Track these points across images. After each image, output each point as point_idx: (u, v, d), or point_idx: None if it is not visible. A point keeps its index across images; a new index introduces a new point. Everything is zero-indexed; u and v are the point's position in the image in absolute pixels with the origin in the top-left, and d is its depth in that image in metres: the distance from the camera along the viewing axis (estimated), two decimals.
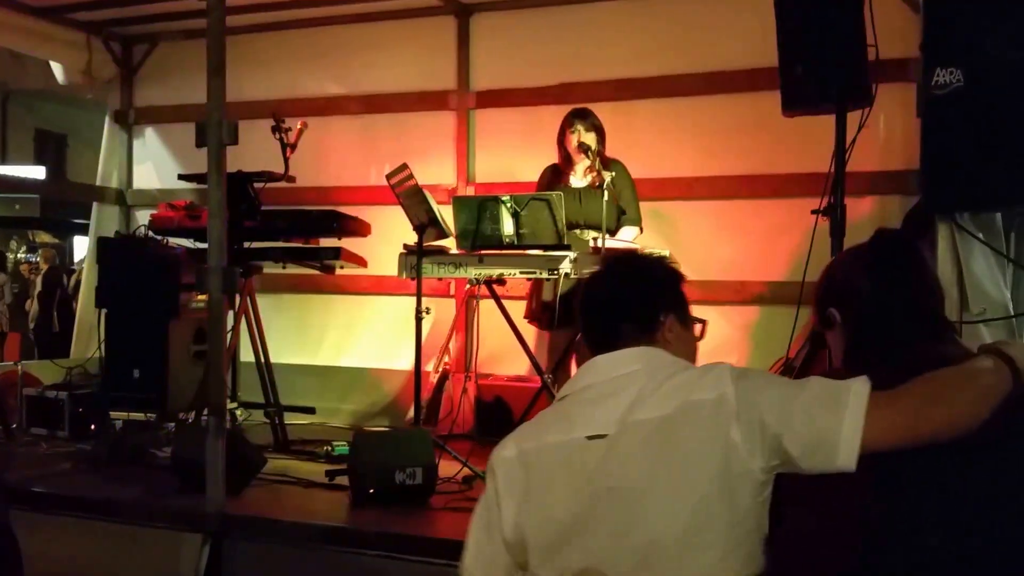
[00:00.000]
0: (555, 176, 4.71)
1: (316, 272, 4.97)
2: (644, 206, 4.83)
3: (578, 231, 4.51)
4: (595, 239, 4.34)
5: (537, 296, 4.64)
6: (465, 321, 5.48)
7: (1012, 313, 3.23)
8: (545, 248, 4.20)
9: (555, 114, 5.27)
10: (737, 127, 5.11)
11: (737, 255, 5.08)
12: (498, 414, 4.96)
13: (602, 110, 4.78)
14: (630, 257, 1.83)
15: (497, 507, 1.66)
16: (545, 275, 4.23)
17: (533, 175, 4.88)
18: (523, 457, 1.64)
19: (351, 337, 5.87)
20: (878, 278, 1.69)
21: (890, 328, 1.67)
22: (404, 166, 4.39)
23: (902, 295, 1.68)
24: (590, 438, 1.60)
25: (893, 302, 1.68)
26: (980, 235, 3.26)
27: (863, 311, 1.68)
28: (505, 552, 1.66)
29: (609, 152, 4.69)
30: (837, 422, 1.51)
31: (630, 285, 1.76)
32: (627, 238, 4.58)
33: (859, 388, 1.53)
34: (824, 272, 1.86)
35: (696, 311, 1.81)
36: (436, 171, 5.66)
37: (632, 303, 1.73)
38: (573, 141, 4.57)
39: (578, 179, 4.68)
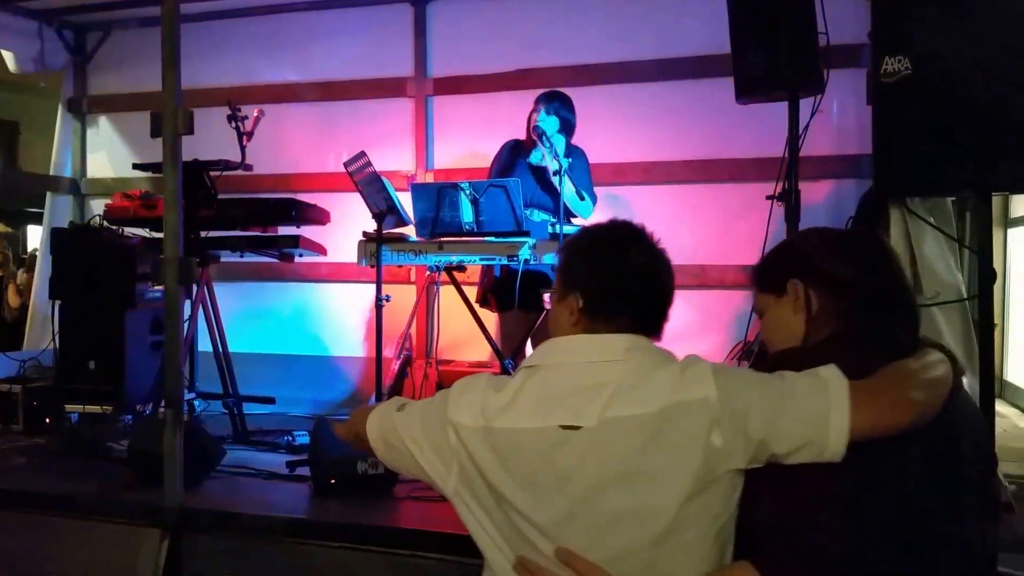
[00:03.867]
0: (514, 152, 4.69)
1: (275, 261, 4.90)
2: (602, 191, 4.84)
3: (537, 211, 4.51)
4: (552, 224, 4.32)
5: (488, 277, 4.63)
6: (426, 308, 5.47)
7: (964, 296, 3.27)
8: (504, 235, 4.21)
9: (513, 100, 5.23)
10: (692, 112, 5.13)
11: (696, 240, 5.12)
12: None
13: (573, 94, 4.75)
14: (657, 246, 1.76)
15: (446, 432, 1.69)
16: (505, 262, 4.22)
17: (491, 159, 4.86)
18: (490, 436, 1.62)
19: (311, 325, 5.84)
20: (870, 269, 1.71)
21: (881, 317, 1.68)
22: (362, 154, 4.34)
23: (894, 287, 1.71)
24: (564, 428, 1.57)
25: (886, 292, 1.70)
26: (931, 219, 3.29)
27: (856, 297, 1.69)
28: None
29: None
30: (823, 420, 1.52)
31: (671, 275, 1.74)
32: (584, 216, 4.57)
33: (838, 381, 1.55)
34: (784, 247, 1.86)
35: None
36: (394, 158, 5.62)
37: (671, 294, 1.72)
38: (533, 121, 4.55)
39: (536, 159, 4.65)
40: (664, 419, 1.54)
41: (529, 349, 4.46)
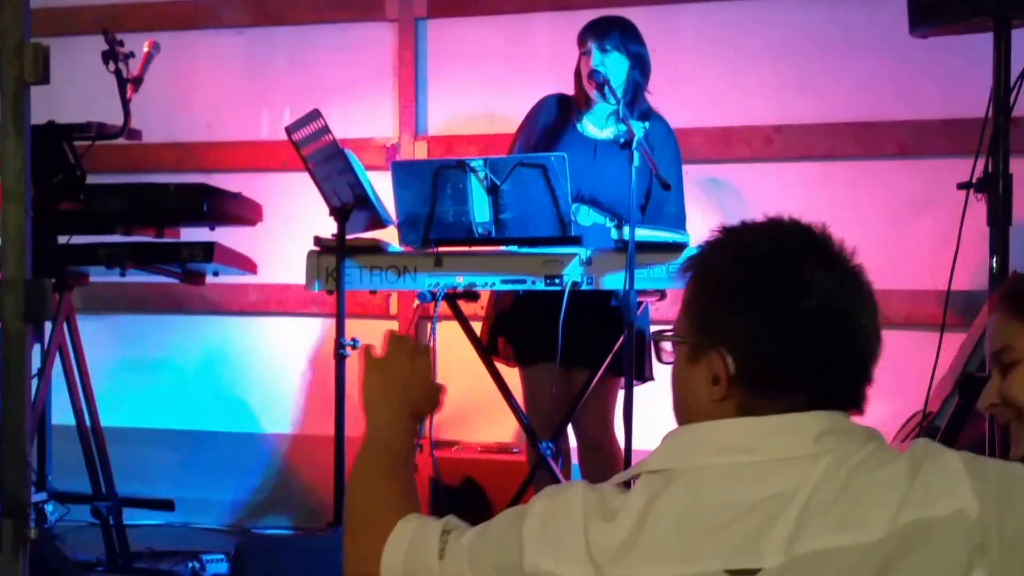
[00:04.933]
0: (560, 113, 4.67)
1: (175, 282, 4.91)
2: (696, 170, 4.79)
3: (584, 209, 4.48)
4: (618, 225, 4.29)
5: (500, 306, 4.60)
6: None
7: None
8: (541, 242, 4.21)
9: (554, 26, 5.23)
10: (841, 48, 5.14)
11: (853, 243, 5.07)
12: (468, 504, 4.94)
13: (632, 17, 4.71)
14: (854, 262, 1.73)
15: None
16: (541, 286, 4.22)
17: (519, 122, 4.84)
18: None
19: (231, 384, 5.87)
20: None
21: None
22: (315, 113, 4.32)
23: None
24: (732, 573, 1.56)
25: None
26: None
27: None
28: None
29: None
30: None
31: (876, 310, 1.70)
32: (670, 229, 4.50)
33: None
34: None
35: None
36: (366, 119, 5.66)
37: (879, 342, 1.70)
38: (583, 65, 4.50)
39: (596, 126, 4.63)
40: (893, 551, 1.54)
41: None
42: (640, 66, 4.52)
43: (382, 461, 1.90)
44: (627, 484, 1.68)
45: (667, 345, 1.78)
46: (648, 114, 4.56)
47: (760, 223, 1.75)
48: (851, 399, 1.68)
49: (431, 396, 2.01)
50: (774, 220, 1.73)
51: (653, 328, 1.80)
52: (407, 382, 1.98)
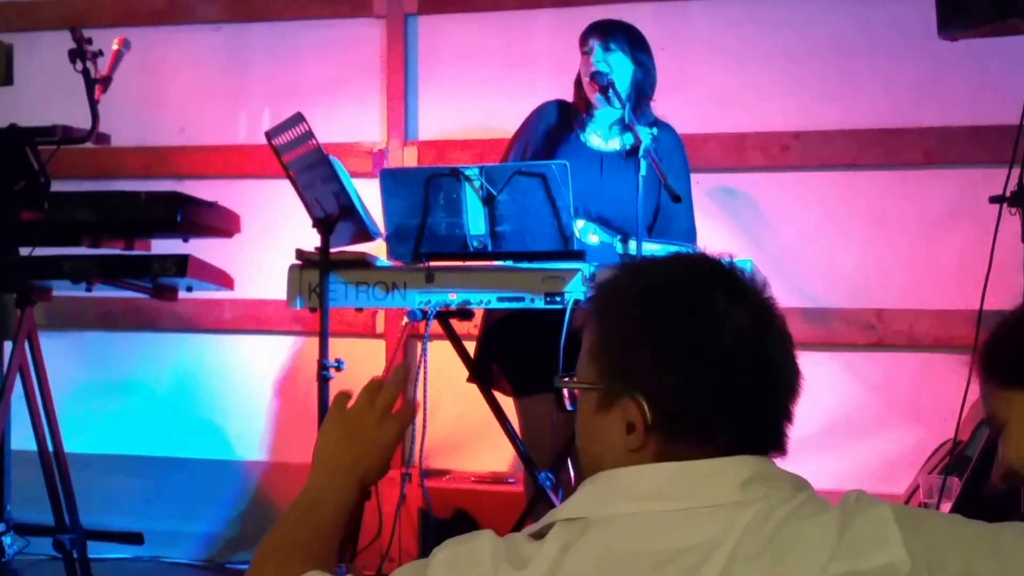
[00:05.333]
0: (561, 121, 4.73)
1: (146, 297, 4.94)
2: (707, 179, 4.85)
3: (591, 228, 4.52)
4: (622, 240, 4.37)
5: (493, 327, 4.66)
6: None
7: None
8: (541, 256, 4.24)
9: (557, 23, 5.27)
10: (865, 48, 5.18)
11: (867, 267, 5.16)
12: None
13: (639, 15, 4.81)
14: (759, 289, 1.76)
15: None
16: (541, 304, 4.22)
17: (516, 127, 4.90)
18: None
19: (205, 408, 5.88)
20: None
21: None
22: (297, 117, 4.33)
23: None
24: None
25: None
26: None
27: None
28: None
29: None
30: None
31: (790, 342, 1.74)
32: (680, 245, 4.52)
33: None
34: None
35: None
36: (352, 123, 5.70)
37: (797, 377, 1.74)
38: (584, 67, 4.58)
39: (600, 136, 4.70)
40: None
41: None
42: (645, 74, 4.58)
43: (305, 528, 1.88)
44: (540, 535, 1.66)
45: (566, 391, 1.81)
46: (655, 124, 4.59)
47: (663, 258, 1.80)
48: (774, 440, 1.70)
49: (382, 469, 1.95)
50: (678, 255, 1.79)
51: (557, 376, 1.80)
52: (365, 448, 1.94)
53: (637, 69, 4.55)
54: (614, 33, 4.56)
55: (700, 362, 1.65)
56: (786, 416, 1.71)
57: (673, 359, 1.66)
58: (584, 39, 4.59)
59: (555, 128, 4.71)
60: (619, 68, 4.52)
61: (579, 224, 4.37)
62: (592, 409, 1.73)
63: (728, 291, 1.70)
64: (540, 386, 4.35)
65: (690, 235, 4.62)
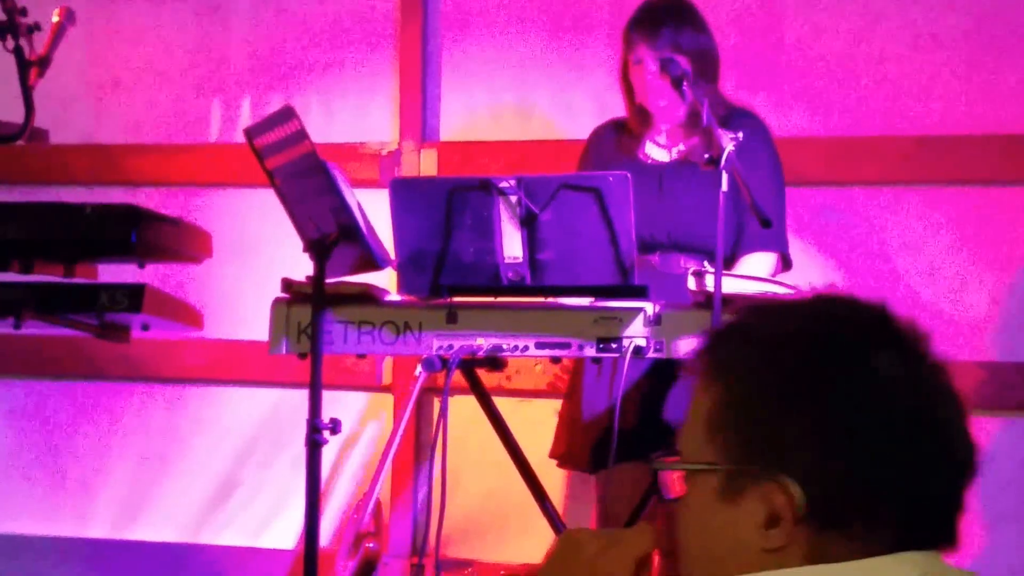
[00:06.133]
0: (617, 140, 4.79)
1: (91, 338, 4.92)
2: (802, 196, 4.91)
3: (657, 254, 4.58)
4: (695, 273, 4.30)
5: (589, 405, 4.64)
6: (416, 446, 5.50)
7: None
8: (593, 292, 4.24)
9: None
10: (997, 32, 5.18)
11: (993, 302, 5.17)
12: None
13: None
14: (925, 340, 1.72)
15: None
16: (592, 352, 4.23)
17: (569, 129, 4.99)
18: None
19: (164, 476, 5.89)
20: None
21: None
22: (287, 111, 4.33)
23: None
24: None
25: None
26: None
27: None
28: None
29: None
30: None
31: (965, 415, 1.72)
32: (763, 271, 4.61)
33: None
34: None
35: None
36: (355, 117, 5.73)
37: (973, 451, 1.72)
38: (638, 81, 4.62)
39: (662, 146, 4.71)
40: None
41: None
42: (707, 66, 4.65)
43: None
44: None
45: (676, 475, 1.77)
46: (729, 117, 4.62)
47: (797, 302, 1.79)
48: (946, 531, 1.68)
49: None
50: (818, 297, 1.75)
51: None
52: None
53: (699, 66, 4.59)
54: (657, 28, 4.60)
55: (865, 436, 1.63)
56: (960, 503, 1.69)
57: (832, 432, 1.64)
58: (628, 41, 4.64)
59: (611, 152, 4.80)
60: (666, 80, 4.53)
61: (656, 256, 4.53)
62: (711, 497, 1.70)
63: (892, 345, 1.68)
64: (630, 451, 4.31)
65: (779, 241, 4.66)
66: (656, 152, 4.71)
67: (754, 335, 1.74)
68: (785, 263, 4.71)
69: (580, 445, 4.62)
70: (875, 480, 1.64)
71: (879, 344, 1.67)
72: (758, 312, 1.80)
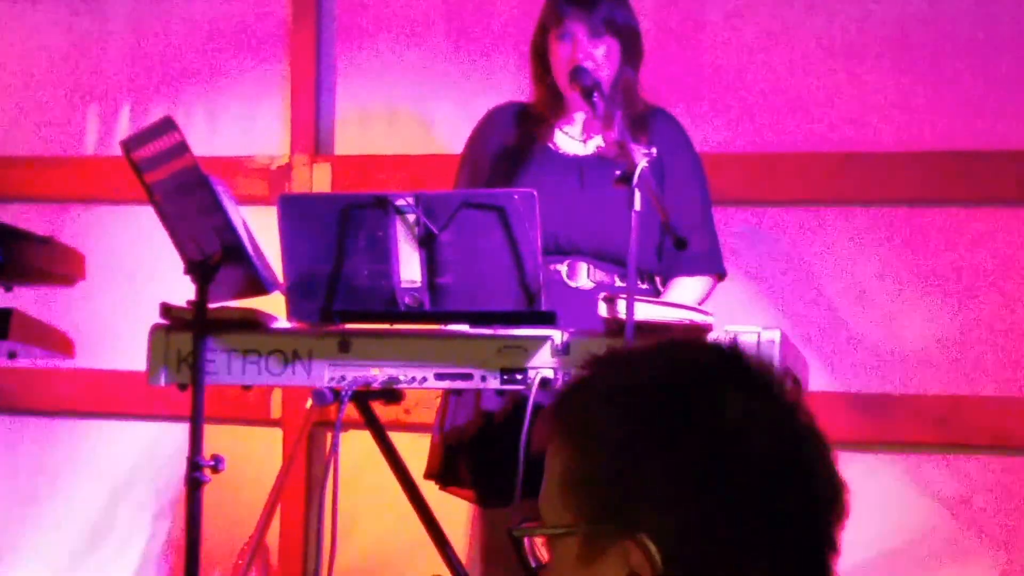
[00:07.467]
0: (521, 128, 4.77)
1: None
2: (723, 215, 4.87)
3: (564, 264, 4.57)
4: (606, 299, 4.27)
5: (452, 416, 4.63)
6: (307, 485, 5.49)
7: None
8: (497, 318, 4.22)
9: None
10: (948, 44, 5.20)
11: (938, 338, 5.18)
12: None
13: None
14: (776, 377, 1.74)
15: None
16: (496, 383, 4.21)
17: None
18: None
19: (34, 518, 5.84)
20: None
21: None
22: (167, 123, 4.30)
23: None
24: None
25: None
26: None
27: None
28: None
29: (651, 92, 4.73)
30: None
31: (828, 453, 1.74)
32: (689, 297, 4.58)
33: None
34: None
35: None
36: (241, 128, 5.72)
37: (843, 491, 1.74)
38: (560, 58, 4.58)
39: (574, 137, 4.71)
40: None
41: None
42: (634, 49, 4.65)
43: None
44: None
45: (536, 541, 1.79)
46: (645, 117, 4.64)
47: (648, 349, 1.78)
48: None
49: None
50: (666, 343, 1.77)
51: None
52: None
53: (624, 47, 4.62)
54: (598, 6, 4.59)
55: (721, 483, 1.66)
56: (830, 544, 1.72)
57: (685, 483, 1.66)
58: (556, 12, 4.62)
59: (514, 138, 4.77)
60: (605, 55, 4.58)
61: (563, 265, 4.51)
62: (573, 562, 1.72)
63: (742, 387, 1.71)
64: (509, 494, 4.28)
65: (711, 262, 4.68)
66: (568, 144, 4.70)
67: (599, 389, 1.75)
68: (719, 277, 4.73)
69: (469, 472, 4.61)
70: (734, 531, 1.66)
71: (727, 388, 1.70)
72: (603, 364, 1.79)
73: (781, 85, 5.37)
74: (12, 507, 5.87)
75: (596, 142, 4.67)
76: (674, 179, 4.58)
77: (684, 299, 4.54)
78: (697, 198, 4.68)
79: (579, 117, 4.67)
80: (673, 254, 4.58)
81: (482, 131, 4.80)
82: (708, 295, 4.68)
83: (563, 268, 4.54)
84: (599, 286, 4.48)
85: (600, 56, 4.53)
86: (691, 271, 4.66)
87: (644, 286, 4.47)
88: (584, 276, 4.57)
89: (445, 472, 4.62)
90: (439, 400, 4.71)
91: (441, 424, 4.69)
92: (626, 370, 1.76)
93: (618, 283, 4.48)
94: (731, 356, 1.74)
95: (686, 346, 1.80)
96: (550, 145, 4.69)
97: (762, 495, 1.66)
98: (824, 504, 1.71)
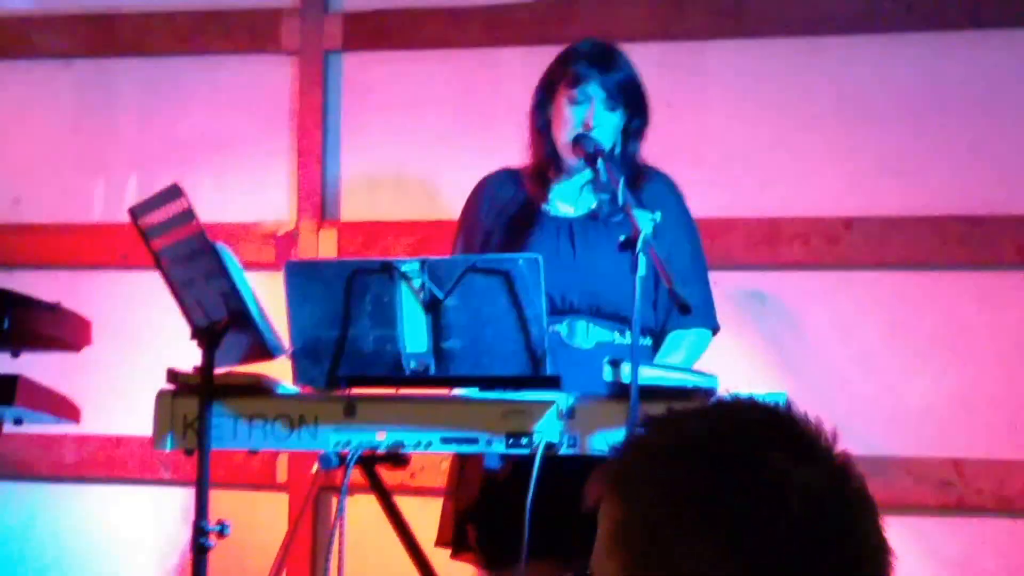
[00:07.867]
0: (515, 193, 4.80)
1: None
2: (727, 278, 4.90)
3: (564, 323, 4.57)
4: (612, 362, 4.28)
5: (466, 485, 4.63)
6: (313, 550, 5.48)
7: None
8: (502, 383, 4.23)
9: (525, 64, 5.28)
10: (941, 113, 5.23)
11: (940, 401, 5.18)
12: None
13: (640, 59, 4.79)
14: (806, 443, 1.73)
15: None
16: (501, 447, 4.20)
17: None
18: None
19: None
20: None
21: None
22: (175, 190, 4.30)
23: None
24: None
25: None
26: None
27: None
28: None
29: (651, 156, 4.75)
30: None
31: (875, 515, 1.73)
32: (687, 357, 4.62)
33: None
34: None
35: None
36: (250, 196, 5.75)
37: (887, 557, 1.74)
38: (571, 119, 4.59)
39: (568, 199, 4.73)
40: None
41: None
42: (643, 119, 4.66)
43: None
44: None
45: None
46: (640, 176, 4.65)
47: (699, 410, 1.80)
48: None
49: None
50: (715, 404, 1.80)
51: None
52: None
53: (632, 115, 4.64)
54: (608, 64, 4.60)
55: (758, 544, 1.65)
56: None
57: (728, 542, 1.66)
58: (572, 76, 4.60)
59: (507, 204, 4.78)
60: (612, 123, 4.59)
61: (563, 325, 4.51)
62: None
63: (786, 448, 1.70)
64: (513, 555, 4.23)
65: (705, 316, 4.66)
66: (561, 205, 4.71)
67: (650, 448, 1.76)
68: (714, 331, 4.73)
69: (476, 536, 4.58)
70: None
71: (774, 450, 1.69)
72: (656, 423, 1.81)
73: (783, 150, 5.39)
74: (18, 573, 5.82)
75: (589, 202, 4.67)
76: (665, 233, 4.48)
77: (682, 354, 4.59)
78: (687, 252, 4.67)
79: (577, 177, 4.67)
80: (669, 306, 4.57)
81: (476, 198, 4.81)
82: (704, 348, 4.69)
83: (563, 328, 4.55)
84: (600, 346, 4.50)
85: (612, 124, 4.56)
86: (686, 324, 4.65)
87: (646, 340, 4.49)
88: (584, 334, 4.56)
89: (456, 539, 4.61)
90: (446, 465, 4.71)
91: (451, 488, 4.70)
92: (676, 429, 1.78)
93: (618, 339, 4.50)
94: (780, 417, 1.74)
95: (737, 407, 1.79)
96: (544, 207, 4.70)
97: (799, 558, 1.65)
98: (866, 569, 1.71)
